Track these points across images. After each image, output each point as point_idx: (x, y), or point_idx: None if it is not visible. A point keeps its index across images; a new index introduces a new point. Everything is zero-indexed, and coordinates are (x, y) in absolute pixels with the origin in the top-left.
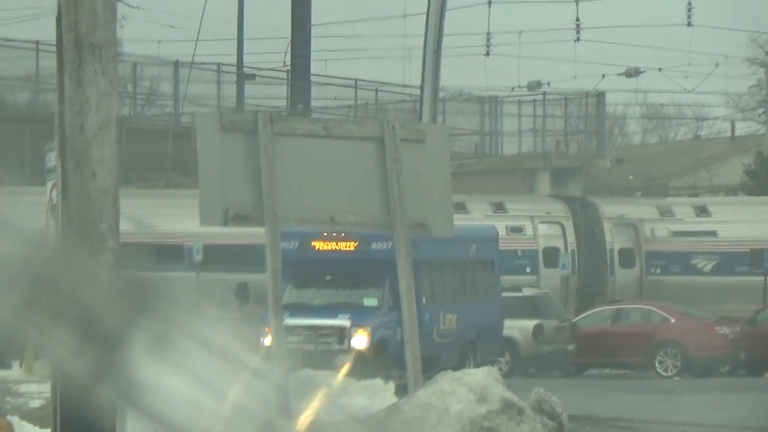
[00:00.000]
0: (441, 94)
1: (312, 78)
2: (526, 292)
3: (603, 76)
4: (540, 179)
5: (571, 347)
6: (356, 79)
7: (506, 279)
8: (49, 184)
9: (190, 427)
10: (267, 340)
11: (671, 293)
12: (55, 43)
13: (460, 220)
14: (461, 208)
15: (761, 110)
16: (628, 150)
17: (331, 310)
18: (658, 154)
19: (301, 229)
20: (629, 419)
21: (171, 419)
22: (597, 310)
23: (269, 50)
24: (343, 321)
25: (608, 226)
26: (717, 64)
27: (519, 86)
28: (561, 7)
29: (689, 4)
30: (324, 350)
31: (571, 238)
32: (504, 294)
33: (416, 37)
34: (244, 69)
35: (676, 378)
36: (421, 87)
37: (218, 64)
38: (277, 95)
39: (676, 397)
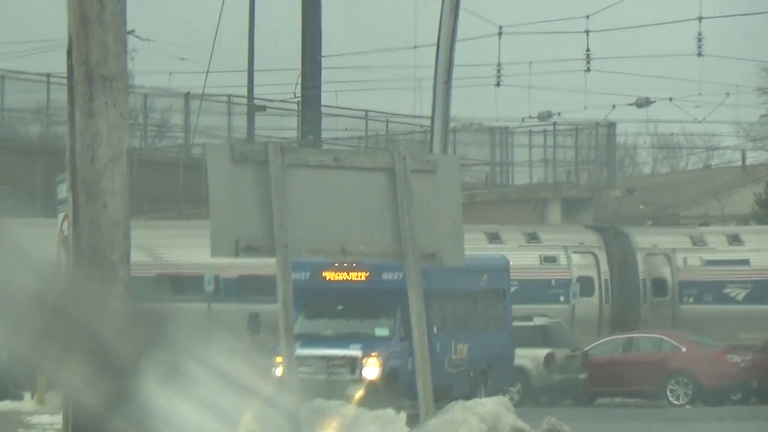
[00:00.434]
0: (452, 125)
1: (322, 109)
2: (537, 321)
3: (613, 106)
4: (551, 209)
5: (582, 376)
6: (367, 110)
7: (540, 308)
8: (61, 216)
9: None
10: (278, 371)
11: (704, 322)
12: (66, 75)
13: (494, 250)
14: (495, 238)
15: None
16: (638, 180)
17: (342, 340)
18: (668, 183)
19: (312, 259)
20: None
21: None
22: (608, 339)
23: (280, 82)
24: (354, 351)
25: (641, 256)
26: (728, 94)
27: (529, 116)
28: (571, 38)
29: (699, 34)
30: (336, 380)
31: (604, 267)
32: (515, 323)
33: (427, 68)
34: (255, 100)
35: (687, 407)
36: (432, 118)
37: (229, 96)
38: (288, 126)
39: (687, 426)
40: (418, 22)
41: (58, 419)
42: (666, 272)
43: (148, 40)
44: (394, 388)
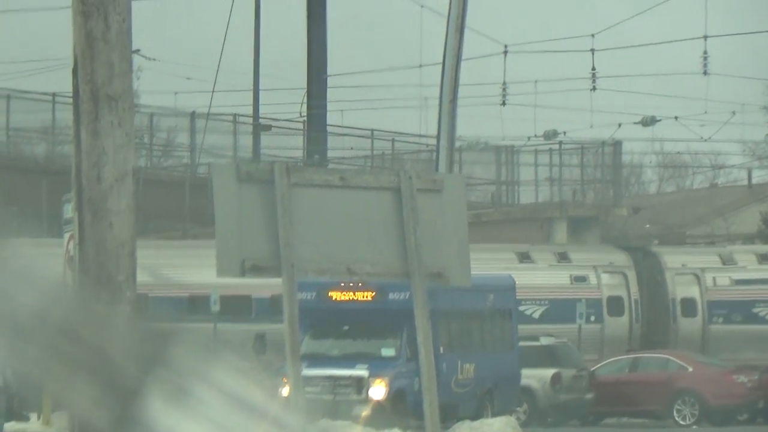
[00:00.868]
0: (457, 144)
1: (328, 128)
2: (544, 341)
3: (619, 124)
4: (557, 228)
5: (589, 396)
6: (372, 130)
7: (570, 327)
8: (66, 236)
9: None
10: (285, 391)
11: (733, 342)
12: (71, 94)
13: (524, 270)
14: (526, 257)
15: None
16: (644, 199)
17: (348, 361)
18: (674, 202)
19: (318, 279)
20: None
21: None
22: (614, 359)
23: (285, 101)
24: (361, 371)
25: (670, 276)
26: (733, 113)
27: (535, 135)
28: (577, 57)
29: (705, 52)
30: (342, 400)
31: (633, 287)
32: (521, 343)
33: (432, 87)
34: (261, 120)
35: (694, 427)
36: (438, 137)
37: (234, 115)
38: (294, 146)
39: None
40: (423, 41)
41: None
42: (695, 292)
43: (154, 59)
44: (400, 408)
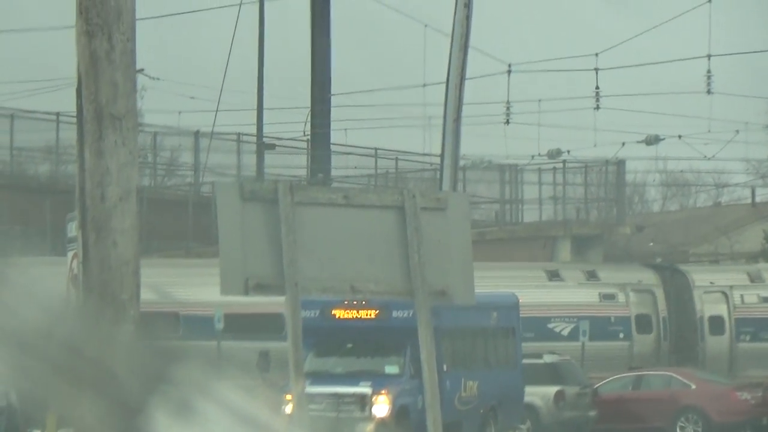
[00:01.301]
0: (461, 162)
1: (332, 147)
2: (547, 358)
3: (623, 143)
4: (560, 247)
5: (592, 414)
6: (376, 148)
7: (600, 345)
8: (70, 254)
9: None
10: (288, 408)
11: (761, 360)
12: (75, 114)
13: (554, 288)
14: (555, 275)
15: None
16: (648, 217)
17: (352, 378)
18: (678, 221)
19: (322, 297)
20: None
21: None
22: (618, 376)
23: (289, 120)
24: (364, 388)
25: (698, 294)
26: (737, 131)
27: (539, 154)
28: (580, 76)
29: (708, 71)
30: (346, 418)
31: (661, 305)
32: (525, 360)
33: (436, 106)
34: (264, 139)
35: None
36: (442, 155)
37: (238, 134)
38: (298, 164)
39: None
40: (427, 61)
41: None
42: (723, 310)
43: (158, 79)
44: (404, 425)
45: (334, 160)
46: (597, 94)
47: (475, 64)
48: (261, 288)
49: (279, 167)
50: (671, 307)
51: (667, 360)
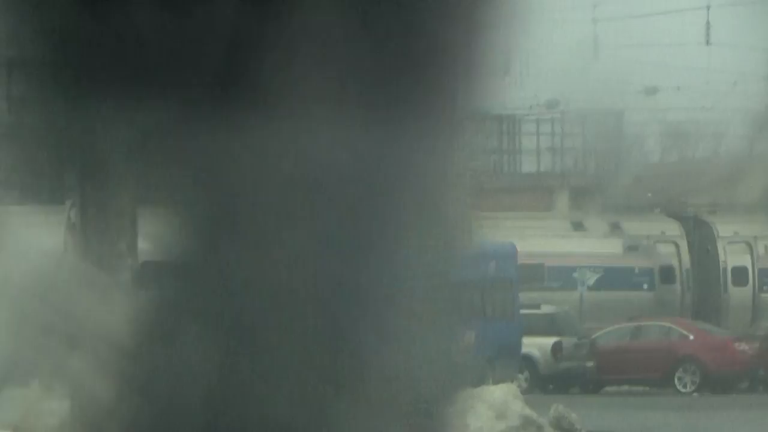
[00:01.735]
0: None
1: None
2: (545, 309)
3: (621, 94)
4: (558, 198)
5: (590, 364)
6: None
7: (623, 294)
8: (68, 204)
9: None
10: None
11: None
12: None
13: (578, 238)
14: (579, 226)
15: None
16: (646, 168)
17: None
18: (676, 172)
19: None
20: None
21: None
22: (616, 327)
23: None
24: None
25: (722, 245)
26: (735, 83)
27: (537, 104)
28: (579, 27)
29: (707, 23)
30: None
31: (685, 256)
32: (523, 311)
33: None
34: None
35: (694, 394)
36: None
37: None
38: None
39: (695, 414)
40: None
41: (65, 405)
42: (747, 260)
43: None
44: None
45: None
46: (596, 44)
47: None
48: None
49: None
50: (695, 258)
51: (690, 311)
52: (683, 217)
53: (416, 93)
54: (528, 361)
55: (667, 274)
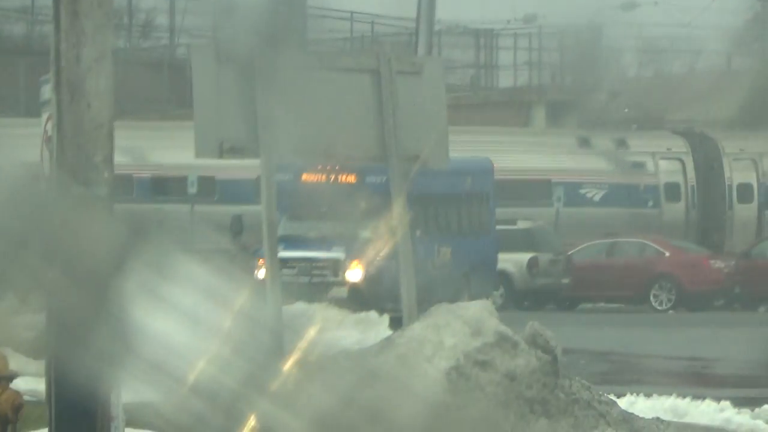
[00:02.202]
0: (437, 27)
1: (307, 10)
2: (521, 224)
3: (599, 8)
4: (535, 112)
5: (565, 281)
6: (352, 12)
7: (628, 212)
8: (44, 116)
9: (182, 369)
10: (261, 273)
11: None
12: None
13: (583, 155)
14: (585, 143)
15: (757, 44)
16: (623, 83)
17: (325, 243)
18: (653, 87)
19: (295, 161)
20: (623, 353)
21: (162, 360)
22: (591, 243)
23: None
24: (338, 254)
25: (727, 161)
26: None
27: (515, 19)
28: None
29: None
30: (319, 282)
31: (690, 173)
32: (499, 227)
33: None
34: None
35: (670, 312)
36: (417, 20)
37: None
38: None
39: (670, 331)
40: None
41: (40, 318)
42: (752, 177)
43: None
44: (376, 291)
45: (310, 24)
46: None
47: None
48: (235, 150)
49: None
50: (700, 175)
51: (694, 229)
52: (689, 134)
53: None
54: (504, 277)
55: (672, 192)
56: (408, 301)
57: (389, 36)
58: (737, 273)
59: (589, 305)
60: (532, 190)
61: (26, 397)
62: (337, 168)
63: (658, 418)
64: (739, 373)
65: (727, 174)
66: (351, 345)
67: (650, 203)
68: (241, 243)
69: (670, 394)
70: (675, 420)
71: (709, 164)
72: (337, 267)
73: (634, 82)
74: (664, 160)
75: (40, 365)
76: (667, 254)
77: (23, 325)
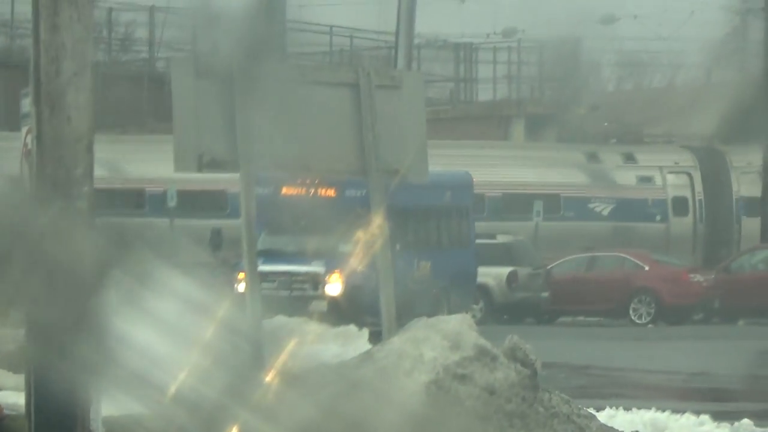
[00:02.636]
0: (416, 41)
1: (287, 24)
2: (501, 239)
3: (578, 22)
4: (514, 126)
5: (545, 294)
6: (331, 26)
7: (635, 225)
8: (24, 130)
9: (163, 380)
10: (241, 287)
11: None
12: None
13: (591, 170)
14: (593, 157)
15: (736, 57)
16: (602, 97)
17: (305, 257)
18: (632, 101)
19: (275, 175)
20: (603, 367)
21: (144, 372)
22: (571, 257)
23: None
24: (317, 267)
25: (735, 175)
26: (692, 12)
27: (494, 33)
28: None
29: None
30: (298, 296)
31: (698, 187)
32: (478, 241)
33: None
34: None
35: (650, 325)
36: (396, 34)
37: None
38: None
39: (649, 345)
40: None
41: (20, 332)
42: (759, 191)
43: None
44: (356, 305)
45: (289, 37)
46: None
47: None
48: (215, 164)
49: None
50: (708, 189)
51: (702, 243)
52: (696, 148)
53: None
54: (483, 291)
55: (679, 206)
56: (387, 315)
57: (368, 50)
58: (717, 286)
59: (569, 319)
60: (539, 203)
61: (6, 411)
62: (316, 182)
63: None
64: (719, 387)
65: (734, 187)
66: (331, 358)
67: (658, 217)
68: (220, 257)
69: (650, 408)
70: None
71: (716, 178)
72: (316, 281)
73: (614, 95)
74: (671, 174)
75: (19, 379)
76: (647, 268)
77: (3, 339)
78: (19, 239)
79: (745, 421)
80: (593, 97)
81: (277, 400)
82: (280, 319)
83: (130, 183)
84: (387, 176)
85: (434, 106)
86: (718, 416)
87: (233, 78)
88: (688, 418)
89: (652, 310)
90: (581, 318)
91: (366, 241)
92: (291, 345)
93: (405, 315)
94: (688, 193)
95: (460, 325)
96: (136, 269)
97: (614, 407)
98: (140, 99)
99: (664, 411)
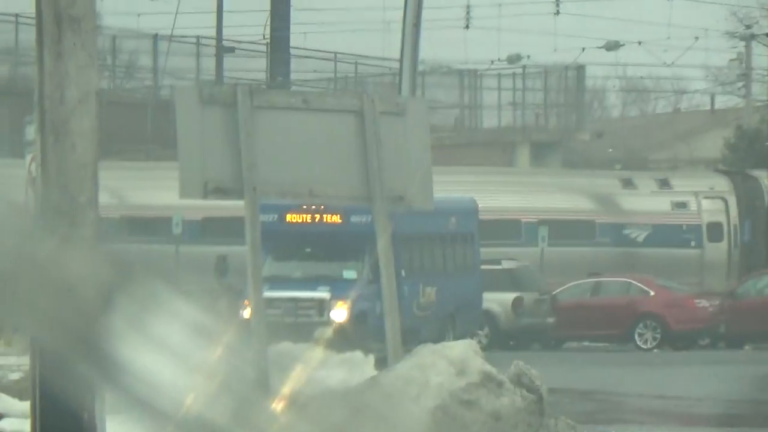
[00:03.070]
0: (420, 68)
1: (291, 51)
2: (506, 264)
3: (583, 49)
4: (519, 153)
5: (550, 320)
6: (336, 53)
7: (670, 252)
8: (29, 157)
9: (168, 406)
10: (246, 313)
11: None
12: (34, 16)
13: (626, 196)
14: (629, 184)
15: (741, 84)
16: (607, 123)
17: (310, 283)
18: (637, 127)
19: (280, 201)
20: (608, 392)
21: (148, 397)
22: (576, 282)
23: (249, 23)
24: (322, 293)
25: None
26: (696, 38)
27: (499, 59)
28: None
29: None
30: (304, 323)
31: (733, 212)
32: (484, 267)
33: (395, 10)
34: (224, 42)
35: (655, 351)
36: (401, 60)
37: (197, 37)
38: (257, 68)
39: (655, 370)
40: None
41: (25, 360)
42: None
43: None
44: (362, 331)
45: (294, 64)
46: None
47: None
48: (220, 191)
49: (238, 71)
50: (743, 214)
51: (737, 268)
52: (731, 173)
53: None
54: (488, 317)
55: (714, 231)
56: (393, 341)
57: (373, 76)
58: (722, 312)
59: (574, 344)
60: (574, 229)
61: None
62: (321, 208)
63: None
64: (725, 412)
65: None
66: (336, 384)
67: (692, 243)
68: (226, 283)
69: None
70: None
71: (751, 203)
72: (322, 307)
73: (619, 122)
74: (706, 200)
75: (25, 405)
76: (652, 293)
77: (8, 367)
78: (25, 266)
79: None
80: (598, 124)
81: (282, 426)
82: (286, 345)
83: (135, 210)
84: (391, 203)
85: (439, 133)
86: None
87: (237, 105)
88: None
89: (658, 335)
90: (587, 343)
91: (371, 268)
92: (296, 371)
93: (411, 341)
94: (723, 219)
95: (465, 350)
96: (141, 296)
97: None
98: (145, 126)
99: None
